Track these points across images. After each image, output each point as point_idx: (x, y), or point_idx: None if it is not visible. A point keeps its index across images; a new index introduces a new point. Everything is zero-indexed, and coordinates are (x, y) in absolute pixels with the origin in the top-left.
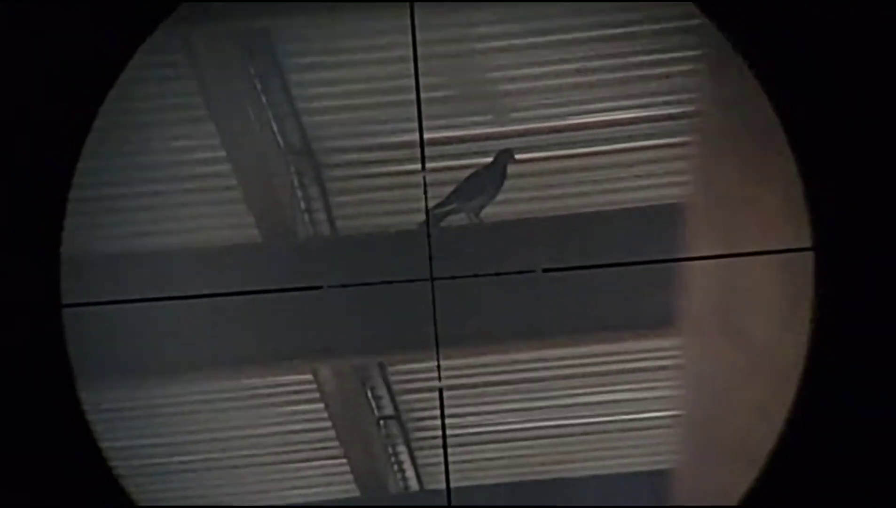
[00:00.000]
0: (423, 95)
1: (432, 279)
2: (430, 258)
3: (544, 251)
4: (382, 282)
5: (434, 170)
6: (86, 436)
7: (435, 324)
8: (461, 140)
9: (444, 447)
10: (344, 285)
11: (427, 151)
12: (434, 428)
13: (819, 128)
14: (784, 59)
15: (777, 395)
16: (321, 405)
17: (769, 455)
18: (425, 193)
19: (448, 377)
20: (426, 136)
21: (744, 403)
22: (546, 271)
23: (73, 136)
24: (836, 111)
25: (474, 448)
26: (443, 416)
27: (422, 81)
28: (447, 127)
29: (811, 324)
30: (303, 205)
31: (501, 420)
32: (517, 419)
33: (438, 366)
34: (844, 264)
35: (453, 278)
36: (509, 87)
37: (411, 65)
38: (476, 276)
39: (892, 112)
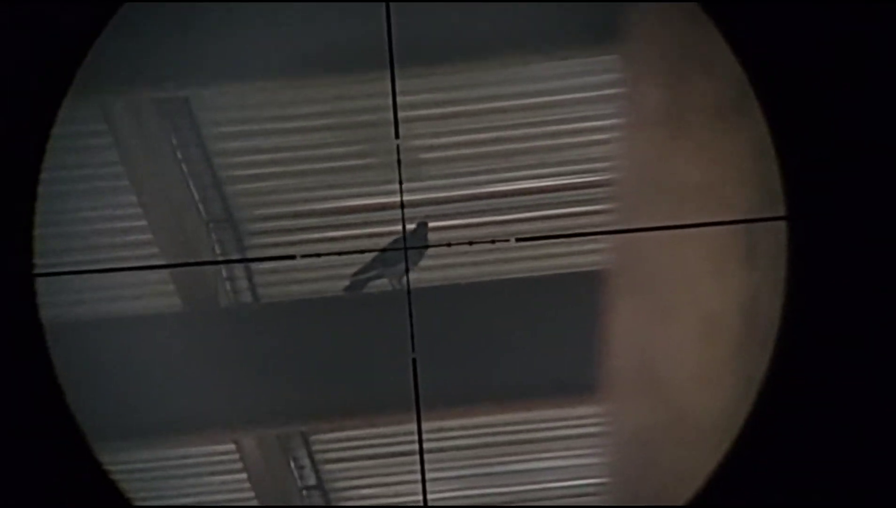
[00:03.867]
0: (337, 164)
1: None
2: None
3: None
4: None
5: (359, 236)
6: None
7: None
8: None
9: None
10: None
11: (354, 217)
12: (356, 498)
13: (792, 94)
14: (757, 27)
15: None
16: (244, 476)
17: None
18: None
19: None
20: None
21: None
22: (519, 240)
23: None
24: (811, 82)
25: None
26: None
27: (340, 149)
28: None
29: (783, 296)
30: (224, 273)
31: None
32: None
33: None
34: (818, 234)
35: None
36: (428, 155)
37: (329, 133)
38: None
39: (865, 84)
